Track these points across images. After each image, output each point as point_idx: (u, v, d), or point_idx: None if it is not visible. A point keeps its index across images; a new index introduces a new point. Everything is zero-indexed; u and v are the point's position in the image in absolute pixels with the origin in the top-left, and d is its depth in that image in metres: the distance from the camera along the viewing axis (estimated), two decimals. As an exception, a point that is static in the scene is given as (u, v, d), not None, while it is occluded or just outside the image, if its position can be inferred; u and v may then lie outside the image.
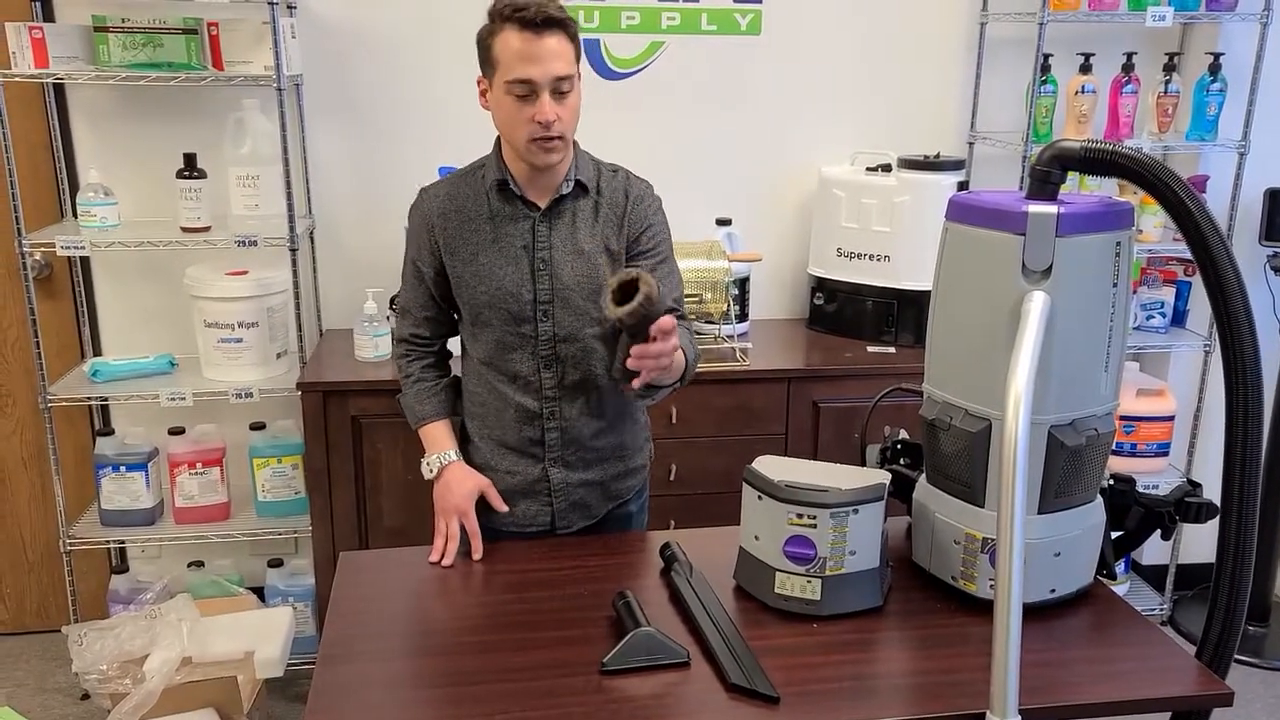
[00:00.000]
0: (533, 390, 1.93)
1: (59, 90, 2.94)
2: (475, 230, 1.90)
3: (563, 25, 1.77)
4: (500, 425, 1.97)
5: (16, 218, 2.70)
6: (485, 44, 1.80)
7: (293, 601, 2.95)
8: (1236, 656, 1.59)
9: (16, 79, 2.67)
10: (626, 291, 1.65)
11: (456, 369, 2.08)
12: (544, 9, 1.74)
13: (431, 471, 1.97)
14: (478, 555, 1.87)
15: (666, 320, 1.66)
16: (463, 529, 1.90)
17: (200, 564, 3.06)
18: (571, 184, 1.89)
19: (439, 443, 1.99)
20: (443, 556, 1.86)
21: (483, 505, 1.98)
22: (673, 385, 1.91)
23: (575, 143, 1.92)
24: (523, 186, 1.88)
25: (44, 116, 2.94)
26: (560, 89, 1.77)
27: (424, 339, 2.04)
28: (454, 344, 2.09)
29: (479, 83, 1.85)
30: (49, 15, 2.87)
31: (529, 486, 1.98)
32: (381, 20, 3.02)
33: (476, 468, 2.01)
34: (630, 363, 1.69)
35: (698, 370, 2.81)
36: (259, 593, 2.96)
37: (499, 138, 1.90)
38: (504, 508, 1.96)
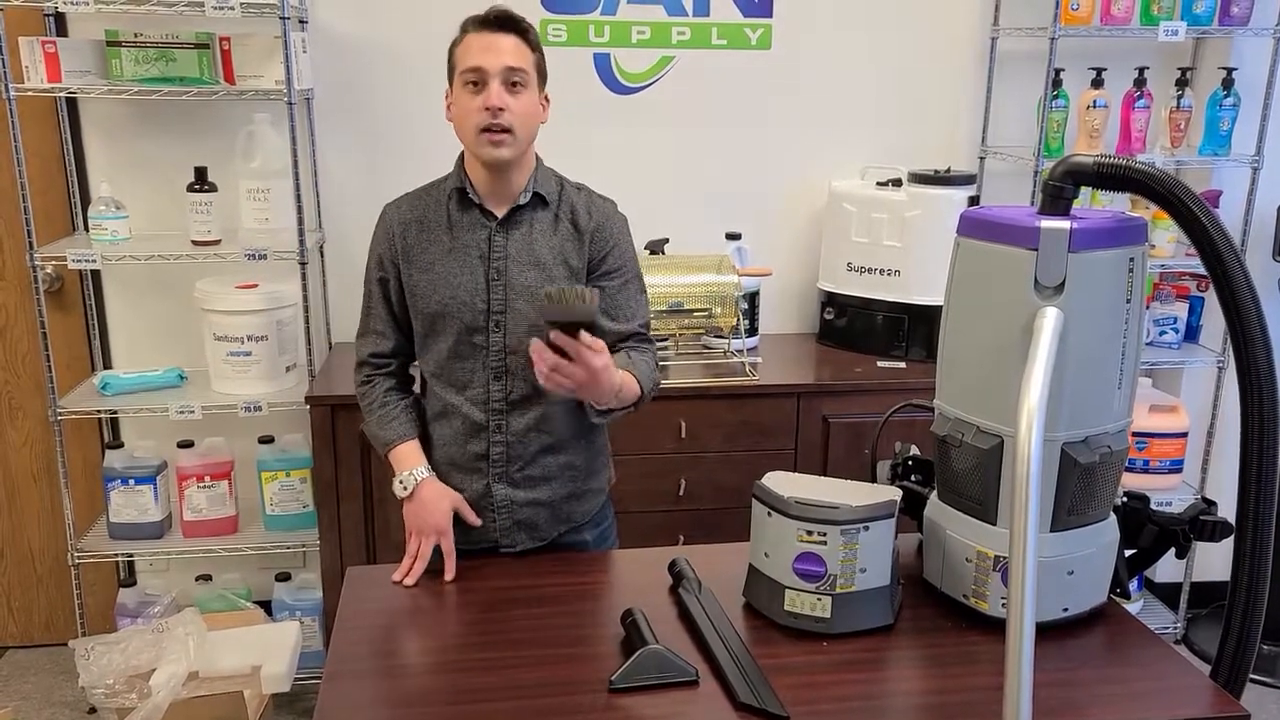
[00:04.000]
0: (480, 402, 1.91)
1: (71, 104, 2.96)
2: (434, 240, 1.91)
3: (519, 29, 1.83)
4: (446, 439, 1.95)
5: (28, 230, 2.72)
6: (450, 54, 1.86)
7: (300, 616, 2.95)
8: (1252, 676, 1.57)
9: (29, 93, 2.68)
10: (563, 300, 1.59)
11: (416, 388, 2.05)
12: (502, 10, 1.83)
13: (405, 490, 1.91)
14: (450, 576, 1.82)
15: (595, 343, 1.63)
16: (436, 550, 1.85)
17: (208, 578, 3.06)
18: (529, 194, 1.89)
19: (409, 460, 1.93)
20: (406, 576, 1.81)
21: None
22: (625, 409, 1.88)
23: (538, 158, 1.93)
24: (481, 195, 1.89)
25: (56, 130, 2.96)
26: (512, 79, 1.80)
27: (383, 358, 2.00)
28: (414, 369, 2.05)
29: (446, 96, 1.89)
30: (62, 30, 2.89)
31: (474, 503, 1.95)
32: (392, 35, 3.03)
33: None
34: (536, 359, 1.64)
35: (706, 385, 2.83)
36: (266, 607, 2.96)
37: (463, 151, 1.92)
38: (476, 521, 1.92)
